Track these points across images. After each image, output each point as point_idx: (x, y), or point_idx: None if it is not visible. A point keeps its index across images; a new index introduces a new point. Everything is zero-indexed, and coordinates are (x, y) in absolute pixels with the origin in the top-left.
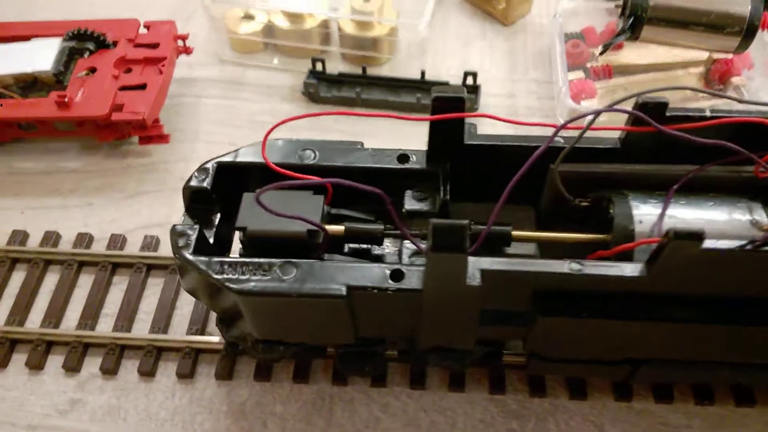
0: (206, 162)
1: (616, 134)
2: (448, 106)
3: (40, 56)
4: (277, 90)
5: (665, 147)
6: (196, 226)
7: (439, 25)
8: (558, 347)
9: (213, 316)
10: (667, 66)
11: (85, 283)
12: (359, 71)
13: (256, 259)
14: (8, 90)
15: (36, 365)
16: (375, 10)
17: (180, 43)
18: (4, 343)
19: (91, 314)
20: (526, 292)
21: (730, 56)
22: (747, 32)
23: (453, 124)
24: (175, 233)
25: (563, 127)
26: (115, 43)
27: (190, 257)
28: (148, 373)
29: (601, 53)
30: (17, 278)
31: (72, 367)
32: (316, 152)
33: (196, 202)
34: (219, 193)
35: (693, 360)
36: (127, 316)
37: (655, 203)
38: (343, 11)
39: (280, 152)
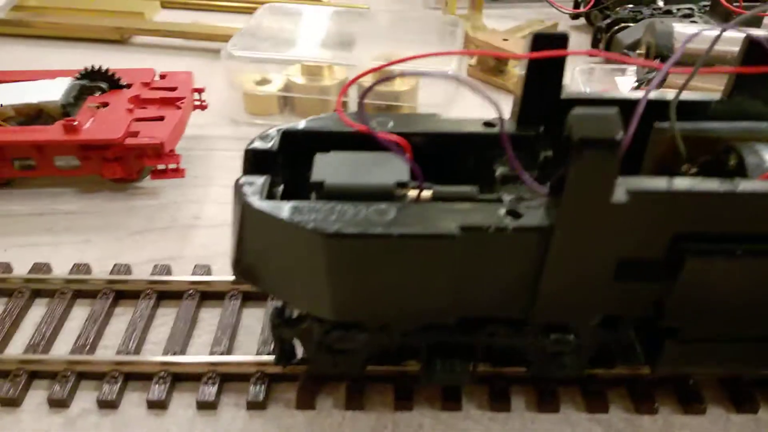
0: (267, 129)
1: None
2: (550, 46)
3: (48, 90)
4: None
5: None
6: (265, 176)
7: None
8: (703, 313)
9: (243, 333)
10: None
11: (80, 315)
12: None
13: (342, 204)
14: (8, 122)
15: (11, 402)
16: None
17: (196, 96)
18: None
19: (86, 344)
20: (671, 228)
21: None
22: None
23: (550, 75)
24: (241, 184)
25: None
26: (129, 86)
27: (262, 203)
28: (158, 404)
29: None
30: None
31: (59, 401)
32: (393, 121)
33: (257, 167)
34: (283, 160)
35: None
36: (132, 344)
37: None
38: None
39: (354, 120)
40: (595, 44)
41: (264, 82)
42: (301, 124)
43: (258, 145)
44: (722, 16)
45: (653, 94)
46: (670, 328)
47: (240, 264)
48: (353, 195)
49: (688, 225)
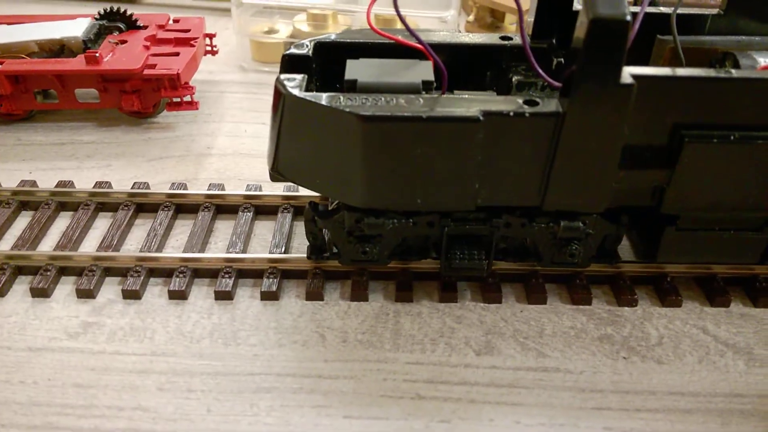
0: (301, 41)
1: None
2: None
3: (69, 28)
4: None
5: None
6: (303, 75)
7: None
8: (700, 200)
9: (256, 240)
10: None
11: (103, 225)
12: None
13: (375, 95)
14: (31, 56)
15: (42, 292)
16: None
17: (207, 42)
18: (5, 269)
19: (110, 245)
20: (672, 116)
21: None
22: None
23: None
24: (282, 80)
25: None
26: (145, 27)
27: (303, 94)
28: (179, 294)
29: None
30: (23, 222)
31: (86, 292)
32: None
33: (294, 69)
34: (316, 66)
35: None
36: (154, 245)
37: None
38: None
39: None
40: None
41: (272, 31)
42: (332, 36)
43: (294, 51)
44: None
45: (654, 9)
46: (670, 216)
47: (277, 162)
48: (384, 92)
49: (688, 113)
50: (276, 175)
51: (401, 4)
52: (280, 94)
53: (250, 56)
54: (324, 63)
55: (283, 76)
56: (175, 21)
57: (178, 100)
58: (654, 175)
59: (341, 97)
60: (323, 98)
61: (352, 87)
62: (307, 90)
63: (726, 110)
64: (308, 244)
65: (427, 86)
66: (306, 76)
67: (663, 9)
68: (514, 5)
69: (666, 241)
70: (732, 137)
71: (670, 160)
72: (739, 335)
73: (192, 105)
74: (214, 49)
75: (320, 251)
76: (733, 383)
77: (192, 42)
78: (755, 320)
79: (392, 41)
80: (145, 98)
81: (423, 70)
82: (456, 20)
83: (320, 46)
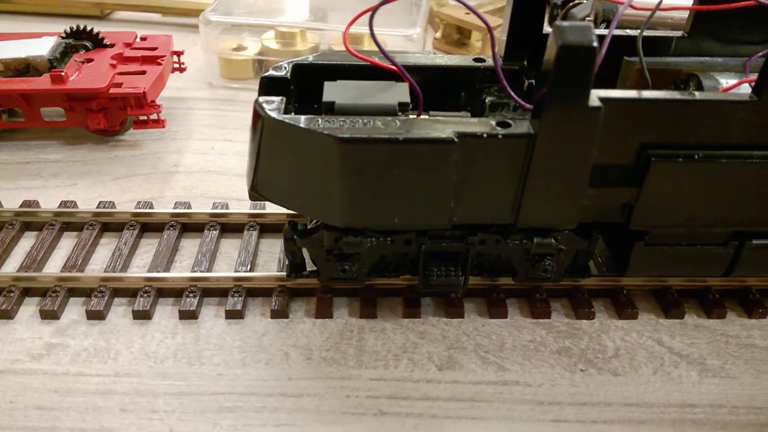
0: (279, 63)
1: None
2: None
3: (35, 46)
4: None
5: (734, 28)
6: (281, 97)
7: None
8: (667, 217)
9: (221, 258)
10: None
11: (68, 245)
12: None
13: (353, 117)
14: None
15: (6, 313)
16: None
17: (175, 59)
18: None
19: (75, 265)
20: (639, 136)
21: None
22: None
23: (533, 9)
24: (260, 102)
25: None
26: (112, 45)
27: (281, 116)
28: (143, 315)
29: None
30: None
31: (50, 313)
32: (393, 56)
33: (272, 92)
34: (294, 88)
35: None
36: (118, 265)
37: (735, 75)
38: (335, 32)
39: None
40: (551, 20)
41: (240, 48)
42: (309, 58)
43: (272, 73)
44: None
45: (621, 32)
46: (639, 232)
47: (257, 181)
48: (360, 114)
49: (654, 134)
50: (255, 194)
51: (367, 22)
52: (260, 117)
53: (218, 73)
54: (302, 84)
55: (261, 99)
56: (143, 39)
57: (145, 118)
58: (623, 193)
59: (319, 120)
60: (302, 121)
61: (330, 109)
62: (285, 112)
63: (690, 130)
64: (286, 262)
65: (403, 108)
66: (284, 98)
67: (629, 32)
68: (479, 23)
69: (635, 256)
70: (696, 156)
71: (637, 178)
72: (693, 346)
73: (159, 123)
74: (182, 66)
75: (299, 269)
76: (686, 393)
77: (159, 60)
78: (708, 331)
79: (369, 63)
80: (112, 117)
81: (399, 92)
82: (422, 38)
83: (298, 68)
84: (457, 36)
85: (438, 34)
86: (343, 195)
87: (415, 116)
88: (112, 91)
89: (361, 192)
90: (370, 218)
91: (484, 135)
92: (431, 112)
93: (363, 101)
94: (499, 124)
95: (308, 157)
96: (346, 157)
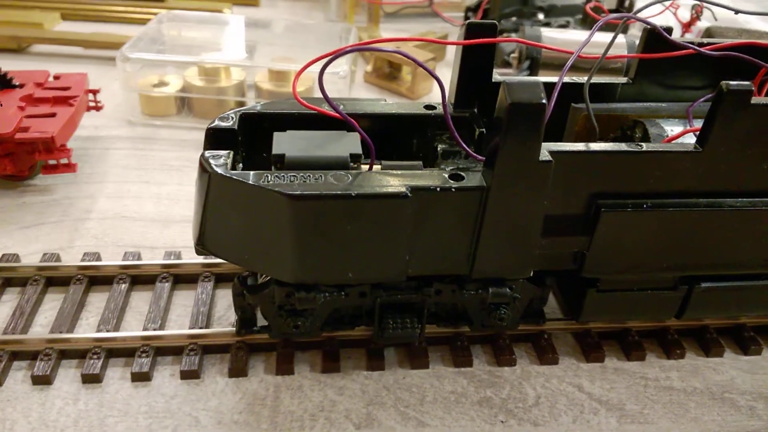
0: (225, 113)
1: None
2: (481, 35)
3: None
4: (192, 143)
5: (676, 75)
6: (228, 151)
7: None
8: (618, 264)
9: (131, 314)
10: None
11: None
12: None
13: (303, 172)
14: None
15: None
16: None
17: (90, 97)
18: None
19: None
20: (588, 187)
21: None
22: None
23: (483, 57)
24: (206, 157)
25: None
26: (22, 86)
27: (230, 173)
28: (43, 380)
29: None
30: None
31: None
32: (343, 105)
33: (218, 145)
34: (242, 140)
35: (752, 272)
36: (18, 326)
37: (679, 121)
38: (260, 68)
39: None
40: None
41: (161, 84)
42: (257, 107)
43: (219, 124)
44: (592, 26)
45: (568, 79)
46: (591, 279)
47: (203, 237)
48: (311, 167)
49: (603, 184)
50: (201, 249)
51: (295, 59)
52: (206, 172)
53: (138, 110)
54: (249, 134)
55: (207, 153)
56: (56, 78)
57: (55, 162)
58: (574, 242)
59: (269, 175)
60: (251, 177)
61: (281, 161)
62: (233, 164)
63: (638, 180)
64: (236, 318)
65: (355, 159)
66: (231, 153)
67: (576, 79)
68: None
69: (588, 302)
70: (645, 205)
71: (588, 227)
72: (612, 391)
73: (69, 167)
74: (99, 105)
75: (249, 325)
76: None
77: (71, 101)
78: (628, 374)
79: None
80: (19, 161)
81: (351, 142)
82: (349, 75)
83: (245, 118)
84: (388, 69)
85: (369, 68)
86: (295, 251)
87: (367, 166)
88: (18, 135)
89: (314, 247)
90: (323, 274)
91: (438, 189)
92: (383, 162)
93: (314, 153)
94: (452, 177)
95: (258, 214)
96: (298, 213)
